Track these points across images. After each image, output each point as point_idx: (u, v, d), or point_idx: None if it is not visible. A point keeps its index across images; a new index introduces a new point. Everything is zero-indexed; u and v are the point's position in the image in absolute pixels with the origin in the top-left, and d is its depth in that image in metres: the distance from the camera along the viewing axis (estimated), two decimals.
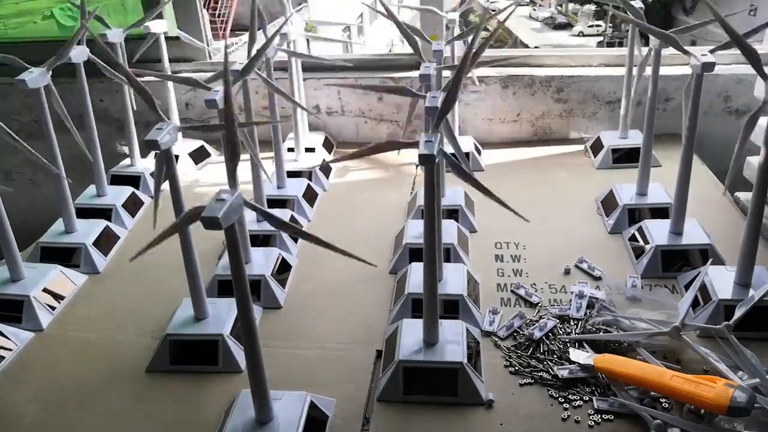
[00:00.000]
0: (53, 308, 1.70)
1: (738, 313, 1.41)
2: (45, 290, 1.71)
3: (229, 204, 1.02)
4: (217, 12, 8.39)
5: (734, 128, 2.42)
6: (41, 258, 1.88)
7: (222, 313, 1.56)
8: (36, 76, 1.70)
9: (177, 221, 1.09)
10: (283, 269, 1.79)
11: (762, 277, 1.54)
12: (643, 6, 2.08)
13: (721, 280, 1.54)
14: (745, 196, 2.04)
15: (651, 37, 1.81)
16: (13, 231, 1.67)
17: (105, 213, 2.08)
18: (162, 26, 2.35)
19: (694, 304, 1.53)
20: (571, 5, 24.13)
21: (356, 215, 2.13)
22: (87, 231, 1.94)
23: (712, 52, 1.55)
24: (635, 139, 2.31)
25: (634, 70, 2.23)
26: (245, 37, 2.14)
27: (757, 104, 1.42)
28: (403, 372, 1.37)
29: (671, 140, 2.37)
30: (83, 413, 1.39)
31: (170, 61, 2.45)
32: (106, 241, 1.97)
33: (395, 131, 2.68)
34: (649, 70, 1.88)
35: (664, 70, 2.16)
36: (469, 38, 2.23)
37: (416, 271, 1.65)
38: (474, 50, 1.33)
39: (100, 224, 1.99)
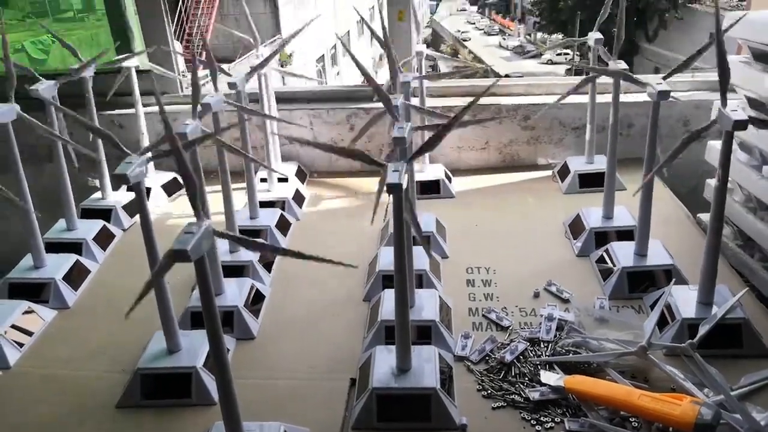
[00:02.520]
0: (21, 345, 1.67)
1: (701, 331, 1.45)
2: (13, 326, 1.68)
3: (198, 236, 1.03)
4: (190, 44, 8.44)
5: (694, 152, 2.51)
6: (9, 294, 1.85)
7: (195, 345, 1.55)
8: (4, 111, 1.69)
9: (156, 269, 1.07)
10: (256, 300, 1.79)
11: (724, 294, 1.58)
12: (602, 37, 2.16)
13: (685, 300, 1.58)
14: (707, 217, 2.10)
15: (609, 64, 1.89)
16: None
17: (75, 247, 2.06)
18: (133, 60, 2.37)
19: (660, 323, 1.57)
20: (539, 34, 24.75)
21: (329, 243, 2.14)
22: (56, 266, 1.92)
23: (664, 78, 1.62)
24: (601, 163, 2.37)
25: (598, 98, 2.31)
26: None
27: (716, 129, 1.48)
28: (376, 399, 1.37)
29: (635, 164, 2.43)
30: None
31: (142, 94, 2.46)
32: (76, 276, 1.94)
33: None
34: (610, 98, 1.95)
35: (625, 97, 2.24)
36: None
37: (389, 298, 1.66)
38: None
39: (70, 258, 1.97)
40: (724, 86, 1.40)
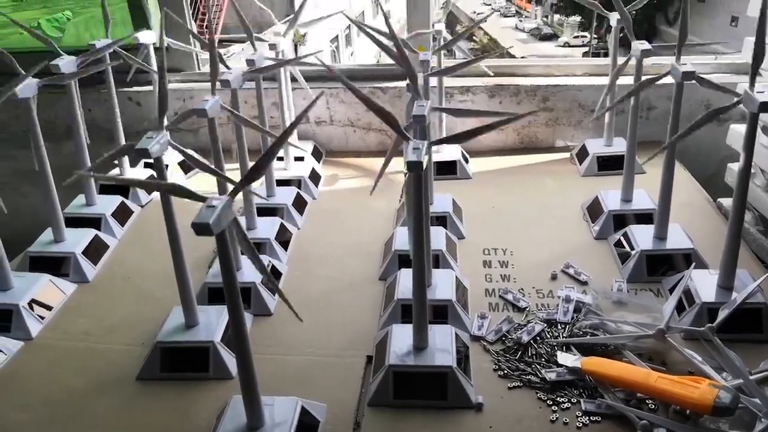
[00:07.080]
0: (42, 317, 1.70)
1: (721, 315, 1.44)
2: (34, 300, 1.71)
3: (219, 210, 1.03)
4: (205, 24, 8.41)
5: (716, 135, 2.47)
6: (30, 267, 1.87)
7: (212, 321, 1.57)
8: (25, 86, 1.70)
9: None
10: (273, 277, 1.80)
11: (744, 280, 1.57)
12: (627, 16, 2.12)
13: (705, 284, 1.57)
14: (728, 202, 2.08)
15: (632, 46, 1.85)
16: (2, 241, 1.66)
17: (94, 222, 2.08)
18: (151, 37, 2.36)
19: (679, 307, 1.56)
20: (556, 16, 24.40)
21: (346, 223, 2.14)
22: (76, 240, 1.94)
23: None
24: (620, 146, 2.35)
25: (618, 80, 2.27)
26: (234, 47, 2.16)
27: (738, 113, 1.44)
28: (393, 377, 1.38)
29: (655, 147, 2.40)
30: (72, 422, 1.39)
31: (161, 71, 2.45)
32: (95, 251, 1.96)
33: (383, 140, 2.70)
34: (631, 79, 1.92)
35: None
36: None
37: (405, 278, 1.66)
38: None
39: (89, 233, 1.98)
40: (755, 67, 1.36)
